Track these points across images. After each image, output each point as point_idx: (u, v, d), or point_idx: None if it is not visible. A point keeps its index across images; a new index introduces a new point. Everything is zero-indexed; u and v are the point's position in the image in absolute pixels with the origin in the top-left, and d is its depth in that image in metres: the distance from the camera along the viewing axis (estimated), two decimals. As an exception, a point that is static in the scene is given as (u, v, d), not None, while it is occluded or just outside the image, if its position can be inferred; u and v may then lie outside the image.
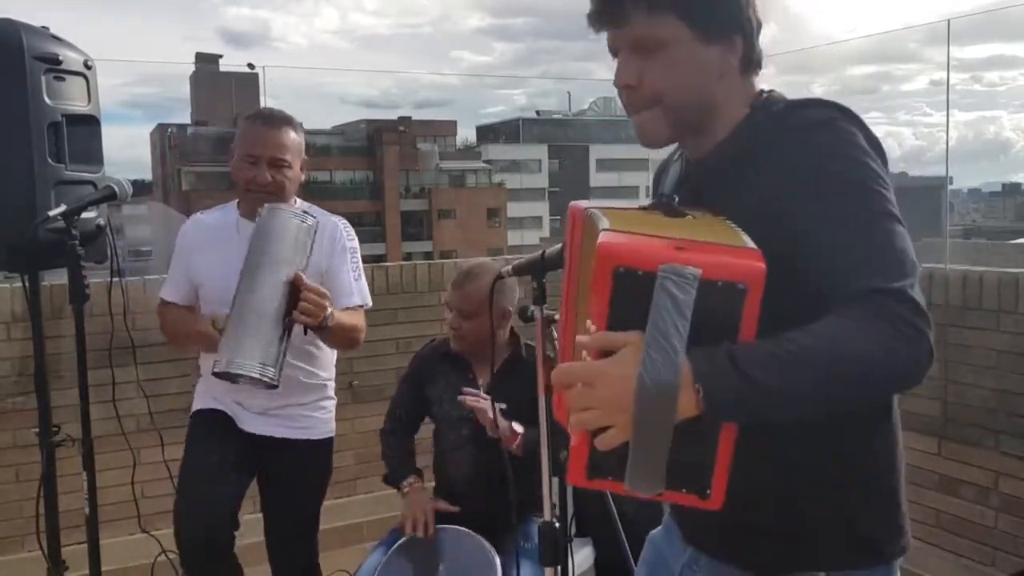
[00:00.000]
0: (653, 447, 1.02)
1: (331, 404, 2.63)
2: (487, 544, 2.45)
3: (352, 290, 2.46)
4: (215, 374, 2.14)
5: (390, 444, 2.77)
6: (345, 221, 2.55)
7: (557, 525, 1.73)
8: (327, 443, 2.61)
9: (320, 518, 2.65)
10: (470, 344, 2.63)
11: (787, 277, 1.11)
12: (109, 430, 2.57)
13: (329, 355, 2.60)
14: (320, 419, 2.57)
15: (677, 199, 1.32)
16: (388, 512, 3.48)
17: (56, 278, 3.04)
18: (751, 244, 1.08)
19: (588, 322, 1.09)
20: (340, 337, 2.41)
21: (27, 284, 2.59)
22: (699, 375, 1.01)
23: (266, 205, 2.26)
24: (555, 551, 1.72)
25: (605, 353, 1.05)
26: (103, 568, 2.44)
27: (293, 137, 2.44)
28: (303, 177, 2.51)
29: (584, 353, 1.08)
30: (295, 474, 2.55)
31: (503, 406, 2.49)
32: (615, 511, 2.61)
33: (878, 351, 1.04)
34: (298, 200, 2.53)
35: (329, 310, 2.22)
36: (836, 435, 1.22)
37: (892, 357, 1.05)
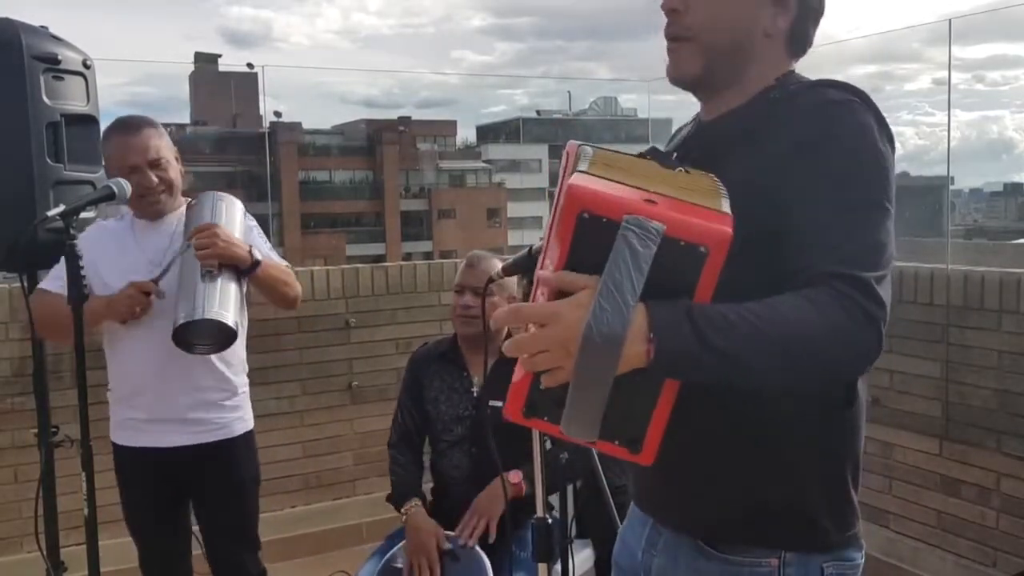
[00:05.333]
0: (591, 395, 1.01)
1: (243, 399, 2.57)
2: (480, 551, 2.45)
3: (272, 256, 2.51)
4: (175, 333, 2.22)
5: (396, 459, 2.74)
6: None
7: (550, 522, 1.73)
8: (247, 438, 2.56)
9: (257, 515, 2.61)
10: (481, 326, 2.59)
11: (773, 251, 1.13)
12: (108, 431, 2.57)
13: (241, 351, 2.56)
14: (232, 418, 2.52)
15: (676, 155, 1.32)
16: (387, 513, 3.46)
17: (55, 278, 3.03)
18: (726, 209, 1.07)
19: (547, 261, 1.09)
20: (273, 280, 2.45)
21: (26, 284, 2.59)
22: (656, 326, 1.01)
23: (199, 194, 2.42)
24: (548, 548, 1.71)
25: (562, 293, 1.04)
26: (102, 569, 2.42)
27: (155, 135, 2.43)
28: (182, 169, 2.52)
29: (539, 293, 1.08)
30: (225, 475, 2.52)
31: (499, 404, 2.50)
32: (615, 511, 2.61)
33: (828, 337, 1.05)
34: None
35: (241, 247, 2.31)
36: (794, 419, 1.22)
37: (840, 344, 1.06)
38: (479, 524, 2.47)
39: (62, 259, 2.44)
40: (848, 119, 1.18)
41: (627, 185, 1.07)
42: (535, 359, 1.04)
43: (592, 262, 1.02)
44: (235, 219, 2.41)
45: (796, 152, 1.17)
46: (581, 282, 1.03)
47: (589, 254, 1.03)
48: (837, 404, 1.25)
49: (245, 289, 2.47)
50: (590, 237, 1.02)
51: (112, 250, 2.46)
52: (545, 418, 1.10)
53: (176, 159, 2.48)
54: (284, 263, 2.57)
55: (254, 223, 2.56)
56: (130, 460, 2.51)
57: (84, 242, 2.40)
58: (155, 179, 2.39)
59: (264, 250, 2.49)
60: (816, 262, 1.11)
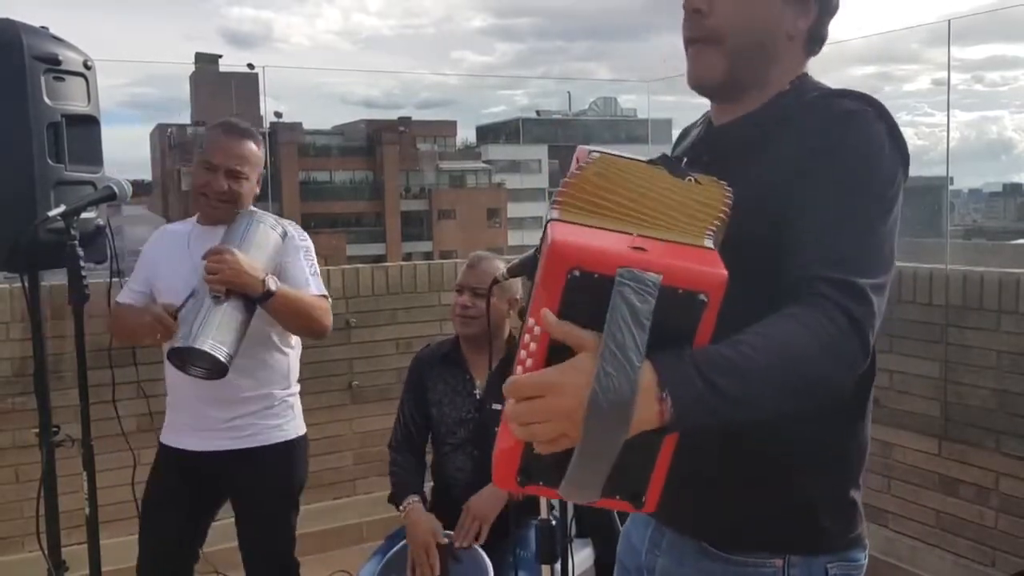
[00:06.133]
0: (598, 462, 0.96)
1: (283, 410, 2.54)
2: (480, 551, 2.45)
3: (308, 283, 2.44)
4: (169, 354, 2.22)
5: (396, 460, 2.73)
6: (295, 223, 2.54)
7: (554, 523, 1.73)
8: (284, 448, 2.52)
9: (294, 525, 2.58)
10: (480, 327, 2.60)
11: (778, 254, 1.13)
12: (109, 430, 2.57)
13: (284, 368, 2.55)
14: (269, 425, 2.50)
15: (686, 160, 1.31)
16: (387, 513, 3.47)
17: (56, 278, 3.04)
18: (710, 243, 1.05)
19: (532, 321, 1.01)
20: (290, 312, 2.34)
21: (27, 284, 2.59)
22: (666, 384, 0.96)
23: (241, 210, 2.39)
24: (552, 549, 1.72)
25: (555, 348, 0.98)
26: (103, 568, 2.44)
27: (253, 149, 2.45)
28: (258, 190, 2.51)
29: (525, 354, 1.01)
30: (256, 483, 2.50)
31: (501, 407, 2.50)
32: (614, 510, 2.61)
33: (817, 355, 1.05)
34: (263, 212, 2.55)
35: (253, 276, 2.21)
36: (793, 426, 1.20)
37: (829, 358, 1.06)
38: (472, 526, 2.48)
39: (136, 267, 2.56)
40: (864, 129, 1.18)
41: (609, 230, 1.03)
42: (533, 430, 0.98)
43: (585, 318, 0.97)
44: (266, 243, 2.34)
45: (809, 158, 1.17)
46: (581, 341, 0.97)
47: (581, 310, 0.97)
48: (852, 418, 1.26)
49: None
50: (581, 293, 0.97)
51: (169, 252, 2.49)
52: (541, 483, 1.04)
53: (257, 180, 2.49)
54: (321, 292, 2.47)
55: (306, 244, 2.50)
56: (175, 459, 2.51)
57: (147, 245, 2.54)
58: (225, 186, 2.40)
59: (304, 275, 2.43)
60: (815, 264, 1.11)
